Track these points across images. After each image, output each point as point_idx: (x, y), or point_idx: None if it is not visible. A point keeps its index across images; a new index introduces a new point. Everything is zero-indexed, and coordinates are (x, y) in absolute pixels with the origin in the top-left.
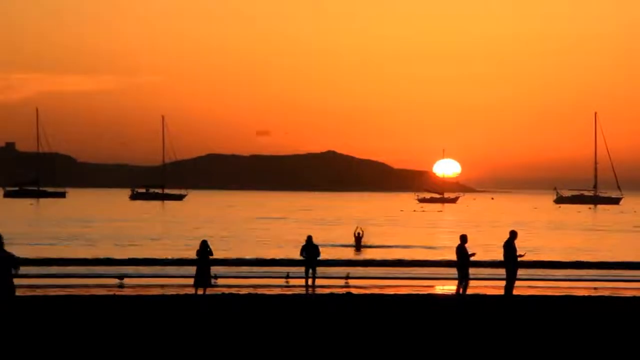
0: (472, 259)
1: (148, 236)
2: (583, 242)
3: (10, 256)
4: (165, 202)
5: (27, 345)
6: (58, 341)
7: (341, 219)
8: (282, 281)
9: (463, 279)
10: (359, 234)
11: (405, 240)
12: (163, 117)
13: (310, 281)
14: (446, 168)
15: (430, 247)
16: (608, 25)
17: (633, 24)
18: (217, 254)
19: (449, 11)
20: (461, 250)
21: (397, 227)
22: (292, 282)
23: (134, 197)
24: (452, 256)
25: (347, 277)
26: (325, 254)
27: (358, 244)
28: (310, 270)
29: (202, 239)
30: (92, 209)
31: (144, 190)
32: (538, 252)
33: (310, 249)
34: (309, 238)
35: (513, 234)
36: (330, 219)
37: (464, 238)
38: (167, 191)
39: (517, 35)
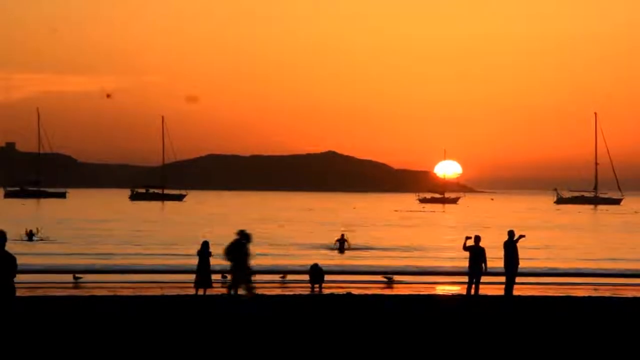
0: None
1: (145, 237)
2: (583, 243)
3: (12, 258)
4: (165, 202)
5: (27, 346)
6: (58, 341)
7: (337, 219)
8: (280, 279)
9: (478, 280)
10: (342, 236)
11: (394, 241)
12: (163, 117)
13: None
14: (447, 168)
15: (420, 248)
16: (608, 25)
17: (633, 23)
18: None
19: (450, 10)
20: (475, 250)
21: (390, 228)
22: (290, 279)
23: (134, 197)
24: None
25: (390, 282)
26: (314, 255)
27: (341, 247)
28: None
29: (203, 239)
30: (91, 210)
31: (143, 191)
32: (537, 254)
33: (316, 273)
34: (315, 265)
35: (511, 234)
36: (327, 219)
37: (478, 238)
38: (166, 191)
39: (518, 35)
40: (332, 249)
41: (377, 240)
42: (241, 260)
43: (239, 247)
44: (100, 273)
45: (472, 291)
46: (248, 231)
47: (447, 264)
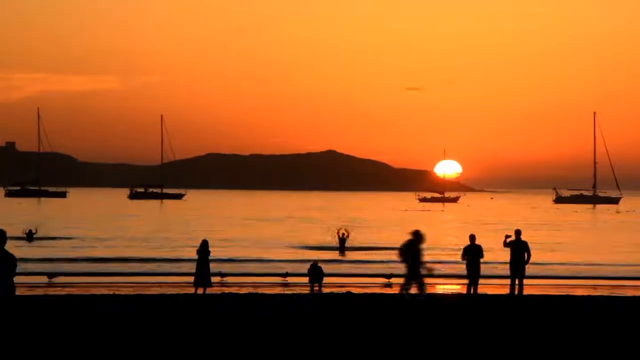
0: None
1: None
2: (582, 242)
3: (12, 257)
4: (164, 201)
5: (27, 345)
6: (58, 341)
7: (336, 219)
8: (282, 281)
9: (477, 280)
10: (343, 234)
11: (394, 241)
12: (162, 117)
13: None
14: (447, 168)
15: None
16: (608, 25)
17: (633, 23)
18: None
19: (451, 10)
20: (471, 249)
21: (389, 227)
22: (290, 281)
23: (133, 196)
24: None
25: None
26: (308, 255)
27: (342, 246)
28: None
29: (202, 238)
30: (91, 209)
31: (142, 190)
32: (537, 254)
33: (316, 272)
34: (315, 264)
35: (518, 233)
36: (325, 219)
37: (472, 238)
38: (165, 191)
39: (518, 34)
40: (332, 248)
41: (376, 239)
42: (414, 260)
43: (412, 247)
44: (98, 275)
45: (472, 290)
46: (421, 232)
47: (446, 264)
